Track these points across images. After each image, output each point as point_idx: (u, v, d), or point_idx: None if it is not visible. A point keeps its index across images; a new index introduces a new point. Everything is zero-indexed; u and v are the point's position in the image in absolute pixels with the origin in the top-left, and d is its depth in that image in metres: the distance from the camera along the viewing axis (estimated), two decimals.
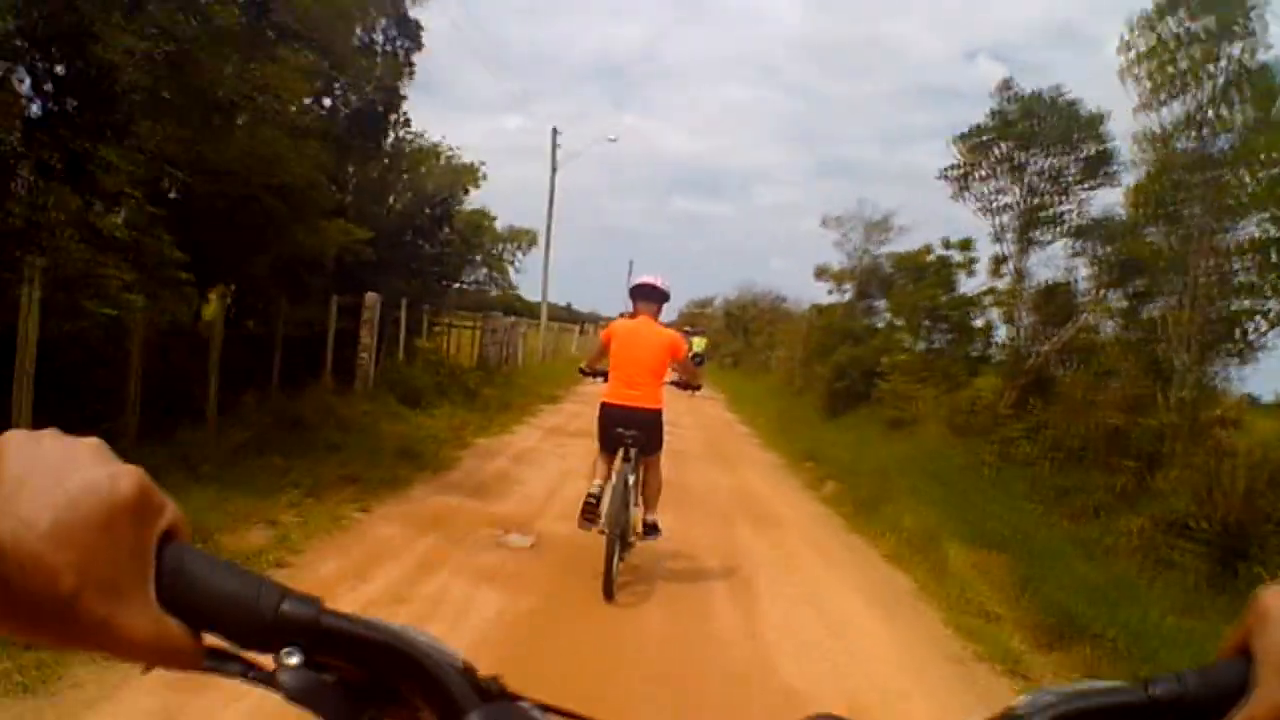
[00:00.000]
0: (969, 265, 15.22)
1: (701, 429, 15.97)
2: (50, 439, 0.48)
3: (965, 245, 15.33)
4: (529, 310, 34.60)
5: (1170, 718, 0.49)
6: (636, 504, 5.39)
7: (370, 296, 12.09)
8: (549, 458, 10.59)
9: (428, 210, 15.13)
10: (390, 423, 10.22)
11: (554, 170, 31.23)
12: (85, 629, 0.45)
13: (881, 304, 21.17)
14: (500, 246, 19.54)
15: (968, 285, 15.41)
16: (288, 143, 7.61)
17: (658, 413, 5.36)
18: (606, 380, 5.46)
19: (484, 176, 16.47)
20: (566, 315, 62.31)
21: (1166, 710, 0.49)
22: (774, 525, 8.16)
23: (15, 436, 0.48)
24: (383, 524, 6.21)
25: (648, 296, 5.48)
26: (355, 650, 0.50)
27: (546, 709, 0.52)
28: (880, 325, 20.76)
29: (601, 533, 5.02)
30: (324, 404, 9.42)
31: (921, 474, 10.27)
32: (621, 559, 5.15)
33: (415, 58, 12.38)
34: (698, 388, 6.04)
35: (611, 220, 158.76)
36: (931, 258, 16.13)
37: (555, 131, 31.31)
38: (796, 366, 25.42)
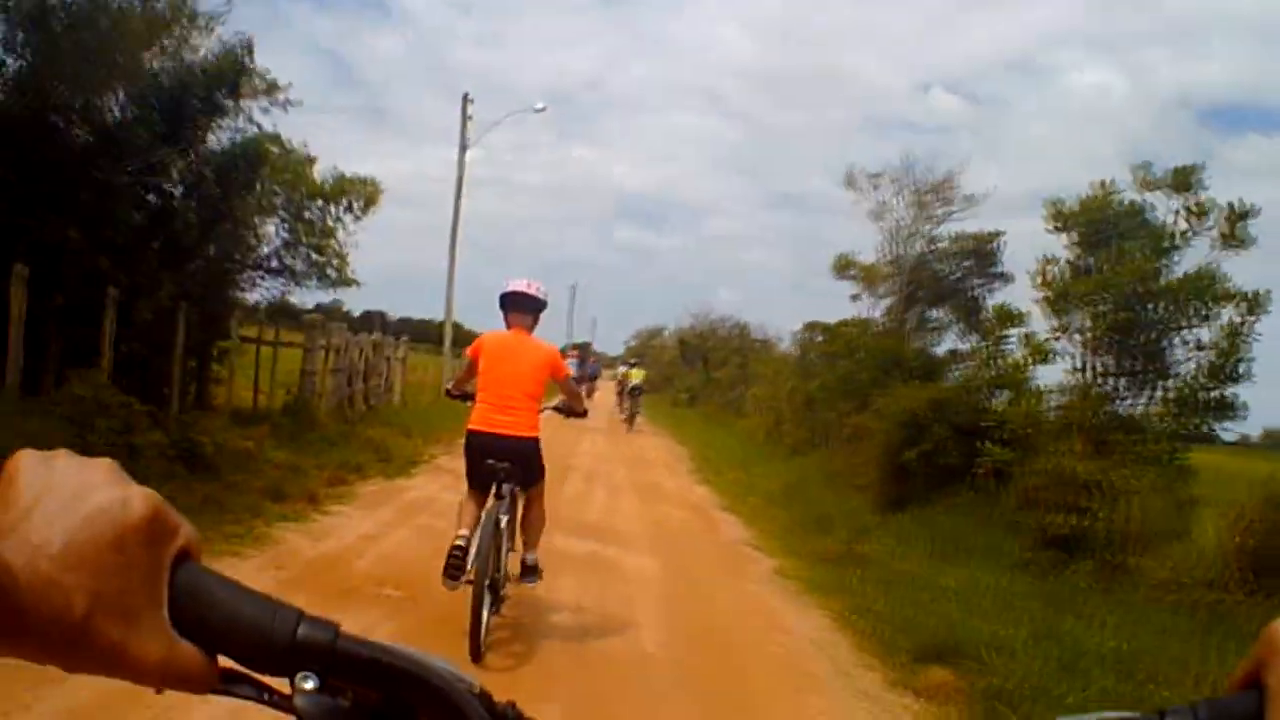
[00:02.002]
0: (1199, 214, 7.77)
1: (656, 528, 8.24)
2: (63, 459, 0.48)
3: (1184, 178, 7.87)
4: (434, 332, 26.72)
5: None
6: (512, 548, 4.73)
7: None
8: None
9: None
10: None
11: (463, 148, 23.51)
12: (98, 653, 0.45)
13: (937, 314, 13.70)
14: (323, 209, 11.18)
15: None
16: None
17: (534, 441, 4.62)
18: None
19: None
20: None
21: None
22: None
23: (28, 457, 0.47)
24: None
25: (521, 306, 4.74)
26: (372, 675, 0.49)
27: None
28: (943, 349, 13.28)
29: (470, 583, 4.20)
30: None
31: None
32: (495, 612, 4.46)
33: None
34: (582, 414, 5.34)
35: (557, 252, 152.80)
36: (1119, 203, 8.48)
37: (466, 99, 23.59)
38: (785, 410, 17.80)
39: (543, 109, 25.67)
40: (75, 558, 0.44)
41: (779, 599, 6.20)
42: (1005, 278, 13.72)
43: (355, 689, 0.49)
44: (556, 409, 5.22)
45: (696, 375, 36.65)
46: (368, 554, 5.86)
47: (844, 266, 14.50)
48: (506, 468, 4.41)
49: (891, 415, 9.64)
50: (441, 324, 24.91)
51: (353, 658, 0.48)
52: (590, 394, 35.80)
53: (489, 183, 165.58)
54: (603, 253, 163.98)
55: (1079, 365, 8.65)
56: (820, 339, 17.20)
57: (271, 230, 10.63)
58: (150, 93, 8.05)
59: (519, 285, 4.76)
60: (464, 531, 4.48)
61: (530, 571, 4.76)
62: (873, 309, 14.23)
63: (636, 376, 24.33)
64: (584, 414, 5.34)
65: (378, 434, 11.35)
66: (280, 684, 0.49)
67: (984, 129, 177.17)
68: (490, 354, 4.66)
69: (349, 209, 11.06)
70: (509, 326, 4.76)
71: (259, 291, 11.16)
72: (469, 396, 4.81)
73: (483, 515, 4.42)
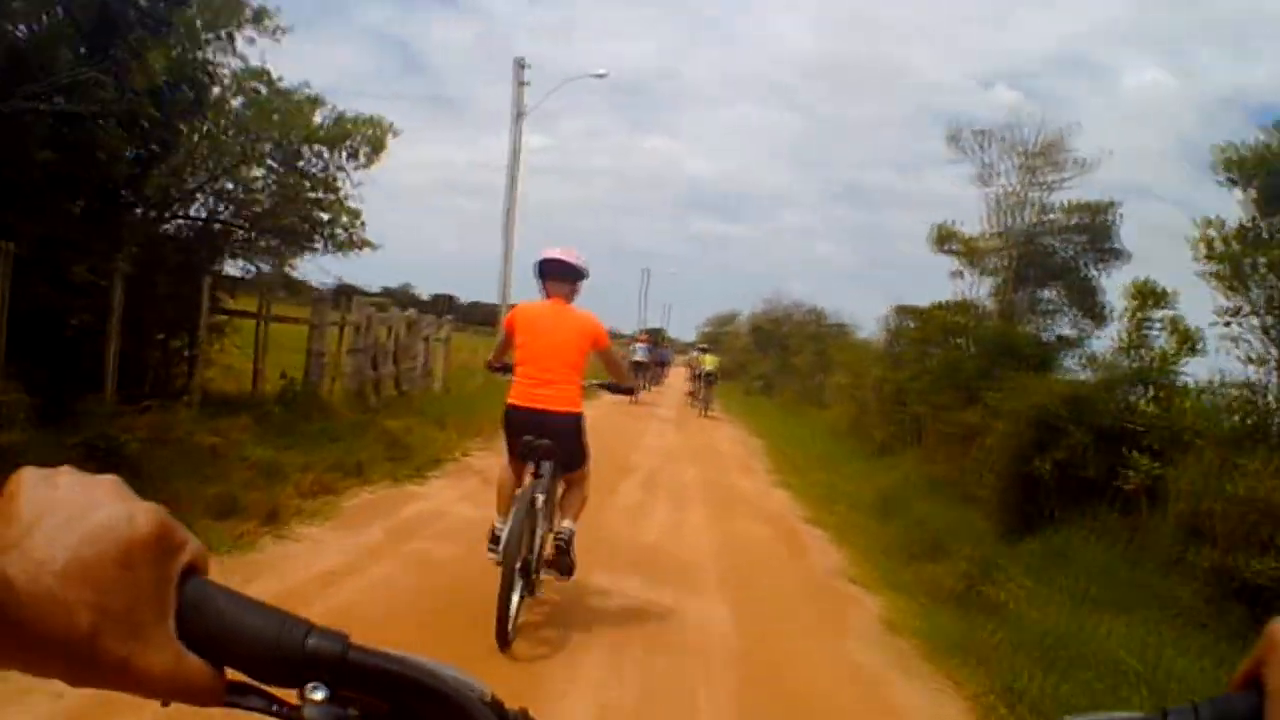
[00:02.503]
0: None
1: (730, 552, 6.81)
2: (66, 476, 0.48)
3: None
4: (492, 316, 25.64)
5: None
6: (550, 529, 4.38)
7: None
8: None
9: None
10: None
11: (518, 115, 22.29)
12: (104, 669, 0.45)
13: (1048, 295, 11.97)
14: (321, 153, 9.34)
15: None
16: None
17: (576, 417, 4.34)
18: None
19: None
20: None
21: None
22: None
23: (30, 474, 0.48)
24: None
25: (559, 275, 4.50)
26: (382, 685, 0.49)
27: None
28: (1054, 336, 11.59)
29: (498, 563, 4.00)
30: None
31: None
32: (528, 596, 4.19)
33: None
34: (629, 391, 5.34)
35: (628, 240, 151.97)
36: None
37: (520, 64, 22.36)
38: (870, 402, 16.15)
39: (604, 75, 24.41)
40: (79, 574, 0.44)
41: (895, 670, 4.71)
42: (1122, 255, 11.95)
43: (364, 699, 0.49)
44: (603, 386, 5.02)
45: (771, 362, 35.00)
46: (313, 606, 4.09)
47: (944, 239, 12.79)
48: (546, 445, 4.22)
49: (1016, 413, 8.01)
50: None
51: (362, 668, 0.48)
52: (660, 379, 34.60)
53: (559, 170, 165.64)
54: (674, 242, 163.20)
55: (1256, 356, 6.93)
56: (911, 325, 15.54)
57: (259, 182, 9.14)
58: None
59: (554, 252, 4.51)
60: (502, 520, 4.32)
61: (562, 556, 4.40)
62: (975, 288, 12.50)
63: (710, 363, 23.36)
64: (631, 392, 5.28)
65: (400, 425, 9.95)
66: (289, 695, 0.49)
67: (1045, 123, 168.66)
68: (526, 325, 4.44)
69: (353, 155, 9.31)
70: (547, 297, 4.53)
71: (256, 258, 9.71)
72: (509, 369, 4.57)
73: (518, 494, 4.21)
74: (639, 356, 24.91)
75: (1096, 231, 12.07)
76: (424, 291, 68.76)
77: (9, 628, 0.42)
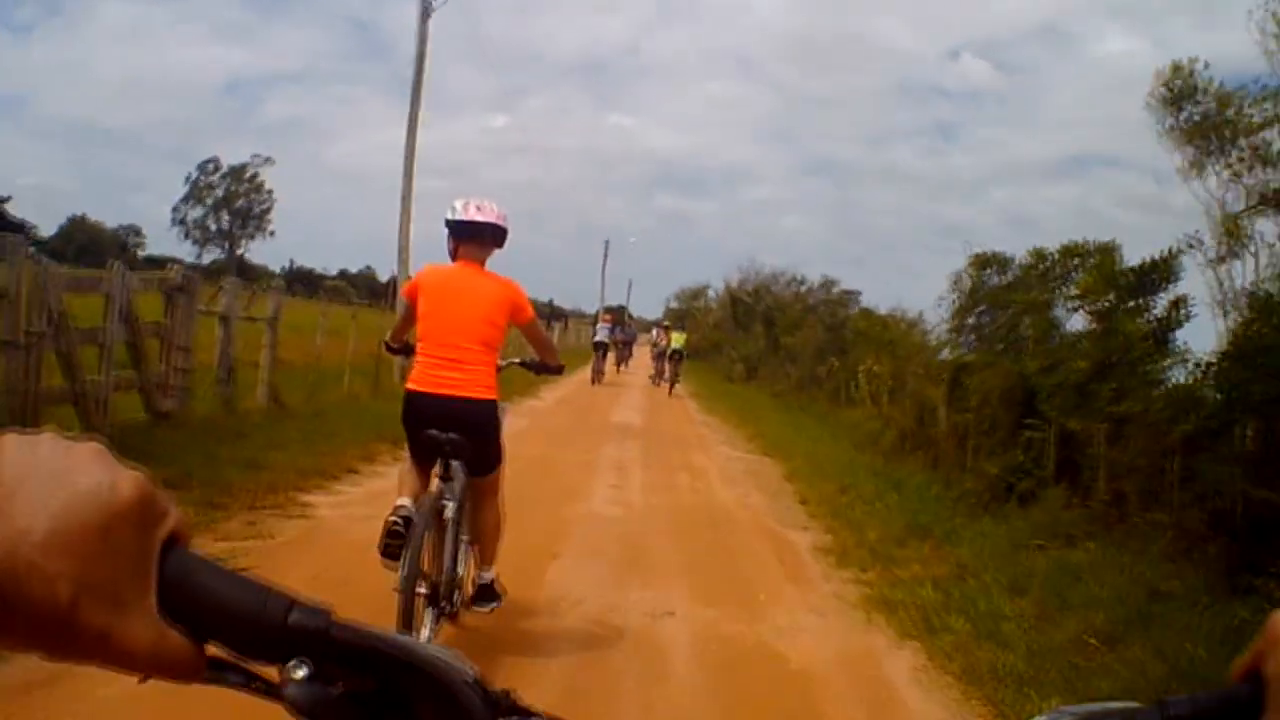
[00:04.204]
0: None
1: None
2: (48, 442, 0.47)
3: None
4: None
5: None
6: (469, 544, 3.74)
7: None
8: None
9: None
10: None
11: (425, 14, 16.12)
12: (84, 641, 0.44)
13: None
14: None
15: None
16: None
17: (489, 406, 3.68)
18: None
19: None
20: (548, 311, 59.39)
21: None
22: None
23: (10, 440, 0.46)
24: None
25: (475, 235, 3.76)
26: (366, 662, 0.48)
27: None
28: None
29: (396, 590, 3.22)
30: None
31: None
32: (434, 632, 3.47)
33: None
34: (559, 370, 4.30)
35: (594, 218, 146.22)
36: None
37: None
38: (942, 411, 10.38)
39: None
40: (60, 544, 0.43)
41: None
42: None
43: (348, 676, 0.48)
44: (526, 365, 4.26)
45: (753, 342, 29.28)
46: None
47: (1179, 96, 6.89)
48: (453, 439, 3.51)
49: None
50: None
51: (346, 644, 0.48)
52: (625, 360, 29.21)
53: (523, 150, 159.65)
54: (640, 218, 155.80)
55: None
56: (1017, 281, 9.85)
57: None
58: None
59: (469, 212, 3.71)
60: (404, 501, 3.59)
61: (486, 594, 3.78)
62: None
63: (677, 340, 21.77)
64: (559, 370, 4.33)
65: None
66: (270, 672, 0.48)
67: (1014, 95, 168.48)
68: (431, 293, 3.73)
69: None
70: (457, 260, 3.80)
71: None
72: (411, 350, 3.93)
73: (420, 500, 3.54)
74: (600, 336, 23.28)
75: None
76: (383, 274, 63.34)
77: None
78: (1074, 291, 8.00)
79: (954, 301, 11.44)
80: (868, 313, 17.99)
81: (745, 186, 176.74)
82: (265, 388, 9.43)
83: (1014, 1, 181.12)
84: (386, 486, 5.72)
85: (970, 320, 11.21)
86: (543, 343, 4.22)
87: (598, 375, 21.52)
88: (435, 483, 3.59)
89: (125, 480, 0.45)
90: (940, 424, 10.66)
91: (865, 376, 13.69)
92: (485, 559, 3.81)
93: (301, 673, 0.47)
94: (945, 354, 11.91)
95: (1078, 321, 8.19)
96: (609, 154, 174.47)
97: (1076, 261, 8.76)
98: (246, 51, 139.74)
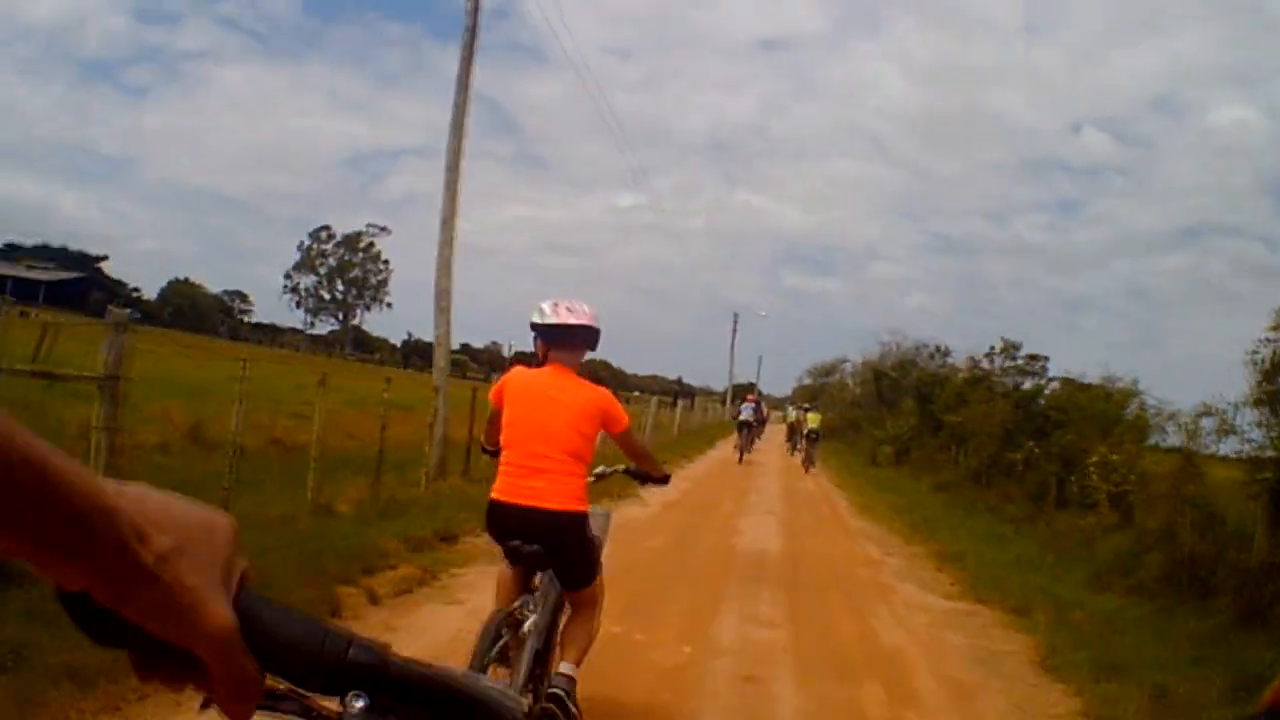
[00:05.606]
0: None
1: None
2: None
3: None
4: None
5: None
6: (554, 654, 3.55)
7: None
8: None
9: None
10: None
11: (471, 33, 13.55)
12: (170, 595, 0.46)
13: None
14: None
15: None
16: None
17: (575, 517, 3.39)
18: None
19: None
20: (677, 388, 57.43)
21: None
22: None
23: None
24: None
25: (566, 339, 3.55)
26: (422, 696, 0.50)
27: None
28: None
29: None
30: None
31: None
32: None
33: None
34: (663, 479, 3.92)
35: (721, 295, 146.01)
36: None
37: None
38: (1262, 539, 6.64)
39: None
40: (167, 520, 0.48)
41: None
42: None
43: (403, 710, 0.50)
44: (628, 472, 3.98)
45: (903, 419, 25.38)
46: None
47: None
48: (535, 551, 3.34)
49: None
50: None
51: (403, 678, 0.50)
52: (757, 437, 26.00)
53: (652, 229, 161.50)
54: (767, 296, 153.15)
55: None
56: None
57: None
58: None
59: (560, 314, 3.50)
60: (498, 609, 3.36)
61: (562, 688, 3.40)
62: None
63: (813, 421, 22.24)
64: (664, 480, 3.99)
65: None
66: (327, 702, 0.51)
67: (1133, 168, 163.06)
68: (517, 399, 3.56)
69: None
70: (545, 364, 3.62)
71: None
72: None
73: (493, 613, 3.29)
74: (745, 415, 23.24)
75: None
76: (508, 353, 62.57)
77: (84, 537, 0.44)
78: None
79: (1257, 378, 7.73)
80: (1078, 384, 13.76)
81: (871, 263, 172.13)
82: None
83: (1129, 76, 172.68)
84: None
85: None
86: (641, 453, 3.94)
87: (742, 451, 22.17)
88: (517, 593, 3.43)
89: (222, 514, 0.52)
90: (1255, 554, 6.92)
91: (1099, 471, 9.82)
92: (571, 656, 3.53)
93: (360, 704, 0.50)
94: (1234, 444, 8.14)
95: None
96: (737, 232, 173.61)
97: None
98: (366, 124, 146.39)
